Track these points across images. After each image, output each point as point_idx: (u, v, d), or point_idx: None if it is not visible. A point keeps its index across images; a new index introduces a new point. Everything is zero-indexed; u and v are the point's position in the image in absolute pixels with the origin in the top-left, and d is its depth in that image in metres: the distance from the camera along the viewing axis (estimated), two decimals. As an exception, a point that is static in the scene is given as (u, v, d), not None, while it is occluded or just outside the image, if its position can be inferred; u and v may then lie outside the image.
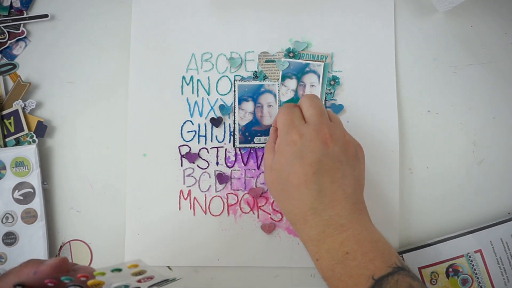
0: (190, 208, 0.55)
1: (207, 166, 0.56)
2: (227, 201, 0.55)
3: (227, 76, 0.57)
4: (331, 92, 0.56)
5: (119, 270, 0.33)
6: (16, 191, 0.54)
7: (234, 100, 0.56)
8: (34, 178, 0.54)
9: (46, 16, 0.57)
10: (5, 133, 0.55)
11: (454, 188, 0.56)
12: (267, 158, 0.49)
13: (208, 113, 0.56)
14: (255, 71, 0.57)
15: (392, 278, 0.41)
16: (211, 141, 0.56)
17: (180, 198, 0.55)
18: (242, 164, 0.56)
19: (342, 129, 0.47)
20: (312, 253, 0.45)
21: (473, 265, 0.53)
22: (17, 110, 0.55)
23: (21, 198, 0.54)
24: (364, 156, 0.48)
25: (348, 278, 0.42)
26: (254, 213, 0.55)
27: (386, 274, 0.41)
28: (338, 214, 0.43)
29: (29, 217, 0.54)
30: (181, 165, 0.56)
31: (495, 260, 0.53)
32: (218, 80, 0.57)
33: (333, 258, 0.42)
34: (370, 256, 0.42)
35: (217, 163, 0.56)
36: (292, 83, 0.56)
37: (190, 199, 0.55)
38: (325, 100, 0.56)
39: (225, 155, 0.56)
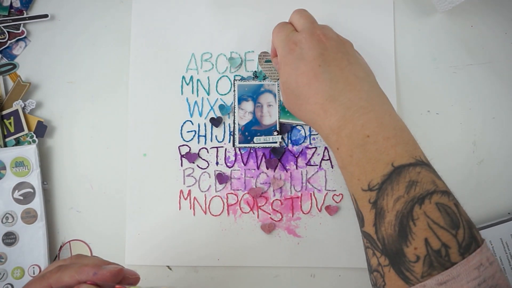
0: (190, 208, 0.55)
1: (207, 166, 0.56)
2: (227, 201, 0.55)
3: (227, 76, 0.57)
4: (331, 92, 0.56)
5: None
6: (16, 191, 0.54)
7: (234, 100, 0.56)
8: (34, 178, 0.54)
9: (46, 16, 0.57)
10: (5, 133, 0.55)
11: (454, 188, 0.55)
12: (280, 80, 0.49)
13: (208, 113, 0.56)
14: (255, 71, 0.57)
15: (413, 169, 0.39)
16: (211, 141, 0.56)
17: (180, 198, 0.55)
18: (242, 164, 0.56)
19: (334, 31, 0.48)
20: (332, 143, 0.43)
21: (473, 265, 0.53)
22: (17, 110, 0.55)
23: (21, 198, 0.54)
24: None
25: (366, 162, 0.40)
26: (254, 213, 0.55)
27: (407, 164, 0.39)
28: (357, 96, 0.42)
29: (29, 217, 0.54)
30: (181, 165, 0.56)
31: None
32: (218, 80, 0.57)
33: (353, 142, 0.41)
34: (392, 142, 0.40)
35: (217, 163, 0.56)
36: (292, 83, 0.56)
37: (190, 199, 0.55)
38: (325, 100, 0.56)
39: (225, 155, 0.56)
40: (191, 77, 0.57)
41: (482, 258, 0.36)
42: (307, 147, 0.56)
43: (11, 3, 0.57)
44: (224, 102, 0.56)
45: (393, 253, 0.38)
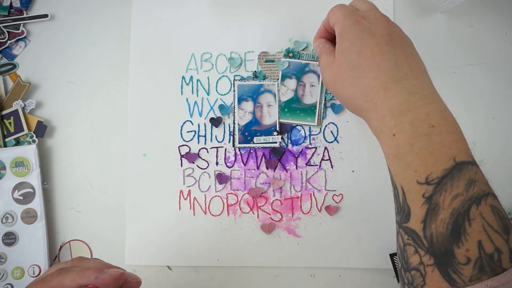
0: (190, 208, 0.55)
1: (207, 166, 0.56)
2: (227, 201, 0.55)
3: (226, 76, 0.57)
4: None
5: None
6: (16, 191, 0.54)
7: (234, 100, 0.56)
8: (34, 178, 0.54)
9: (46, 16, 0.57)
10: (5, 133, 0.55)
11: (454, 188, 0.56)
12: (325, 57, 0.48)
13: (208, 113, 0.56)
14: (255, 71, 0.57)
15: (472, 167, 0.37)
16: (211, 141, 0.56)
17: (180, 198, 0.55)
18: (242, 164, 0.56)
19: None
20: (388, 127, 0.40)
21: (473, 265, 0.53)
22: (17, 110, 0.55)
23: (21, 198, 0.54)
24: None
25: (428, 154, 0.38)
26: (253, 213, 0.55)
27: (467, 161, 0.37)
28: (420, 84, 0.41)
29: (29, 217, 0.54)
30: (181, 165, 0.56)
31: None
32: (217, 80, 0.57)
33: (417, 130, 0.38)
34: (454, 137, 0.38)
35: (216, 163, 0.56)
36: (292, 83, 0.56)
37: (190, 199, 0.55)
38: (325, 100, 0.56)
39: (225, 155, 0.56)
40: (191, 77, 0.57)
41: None
42: (307, 147, 0.56)
43: (11, 3, 0.57)
44: (224, 102, 0.56)
45: (441, 253, 0.36)
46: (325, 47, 0.49)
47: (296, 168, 0.56)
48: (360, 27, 0.44)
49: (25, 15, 0.57)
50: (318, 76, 0.56)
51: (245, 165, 0.56)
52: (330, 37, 0.51)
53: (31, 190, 0.54)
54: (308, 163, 0.56)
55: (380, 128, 0.41)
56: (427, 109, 0.39)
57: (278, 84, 0.56)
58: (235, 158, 0.56)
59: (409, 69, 0.42)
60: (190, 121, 0.56)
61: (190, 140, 0.56)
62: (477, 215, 0.35)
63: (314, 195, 0.55)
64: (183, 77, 0.57)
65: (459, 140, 0.39)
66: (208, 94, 0.57)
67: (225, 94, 0.57)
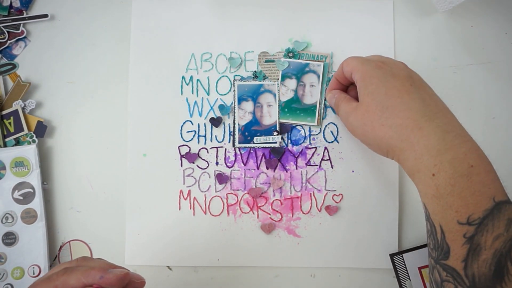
0: (190, 208, 0.55)
1: (207, 166, 0.56)
2: (227, 201, 0.55)
3: (226, 76, 0.57)
4: (331, 92, 0.56)
5: None
6: (16, 191, 0.54)
7: (234, 100, 0.56)
8: (34, 178, 0.54)
9: (46, 16, 0.57)
10: (5, 133, 0.55)
11: (454, 188, 0.56)
12: (345, 105, 0.48)
13: (208, 113, 0.56)
14: (255, 71, 0.56)
15: (510, 206, 0.38)
16: (211, 141, 0.56)
17: (180, 198, 0.55)
18: (242, 164, 0.56)
19: None
20: (427, 167, 0.40)
21: (473, 265, 0.53)
22: (17, 110, 0.55)
23: (21, 198, 0.54)
24: None
25: (469, 194, 0.38)
26: (253, 213, 0.55)
27: (505, 201, 0.38)
28: (452, 123, 0.42)
29: (29, 217, 0.54)
30: (181, 165, 0.56)
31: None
32: (217, 80, 0.57)
33: (457, 170, 0.39)
34: (491, 176, 0.39)
35: (216, 163, 0.56)
36: (292, 83, 0.56)
37: (190, 199, 0.55)
38: (325, 100, 0.56)
39: (225, 155, 0.56)
40: (191, 77, 0.57)
41: None
42: (307, 147, 0.56)
43: (11, 3, 0.57)
44: (224, 102, 0.56)
45: None
46: (341, 96, 0.50)
47: (296, 168, 0.56)
48: (382, 72, 0.45)
49: (25, 15, 0.57)
50: (318, 77, 0.56)
51: (245, 165, 0.56)
52: (343, 89, 0.52)
53: (31, 190, 0.54)
54: (308, 163, 0.56)
55: (418, 167, 0.41)
56: (465, 148, 0.40)
57: (278, 84, 0.56)
58: (235, 158, 0.56)
59: (436, 108, 0.43)
60: (190, 121, 0.56)
61: (190, 140, 0.56)
62: None
63: (314, 195, 0.55)
64: (183, 77, 0.57)
65: (496, 179, 0.39)
66: (208, 94, 0.57)
67: (225, 94, 0.57)
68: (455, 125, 0.42)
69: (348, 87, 0.53)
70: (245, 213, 0.55)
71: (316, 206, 0.55)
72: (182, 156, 0.56)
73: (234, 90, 0.56)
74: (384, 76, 0.45)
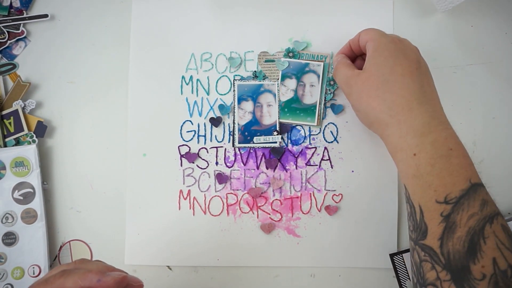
0: (190, 208, 0.55)
1: (207, 166, 0.56)
2: (227, 201, 0.55)
3: (226, 76, 0.57)
4: (331, 92, 0.56)
5: None
6: (16, 191, 0.54)
7: (234, 99, 0.56)
8: (34, 178, 0.54)
9: (46, 16, 0.57)
10: (5, 133, 0.55)
11: (454, 188, 0.56)
12: (346, 70, 0.50)
13: (208, 113, 0.56)
14: (255, 71, 0.56)
15: (484, 189, 0.41)
16: (211, 141, 0.56)
17: (179, 198, 0.55)
18: (242, 164, 0.56)
19: None
20: (410, 146, 0.43)
21: (473, 265, 0.53)
22: (17, 110, 0.55)
23: (21, 198, 0.54)
24: None
25: (448, 174, 0.41)
26: (253, 213, 0.55)
27: (479, 183, 0.41)
28: (439, 112, 0.45)
29: (29, 217, 0.54)
30: (181, 165, 0.56)
31: None
32: (217, 80, 0.57)
33: (437, 151, 0.42)
34: (468, 161, 0.42)
35: (216, 163, 0.56)
36: (291, 83, 0.56)
37: (189, 199, 0.55)
38: (325, 100, 0.56)
39: (225, 155, 0.56)
40: (191, 77, 0.57)
41: None
42: (306, 147, 0.56)
43: (11, 3, 0.57)
44: (224, 102, 0.56)
45: (458, 269, 0.38)
46: (344, 60, 0.51)
47: (296, 168, 0.56)
48: (396, 47, 0.47)
49: (25, 15, 0.57)
50: (318, 76, 0.56)
51: (245, 165, 0.56)
52: (352, 56, 0.54)
53: (31, 190, 0.54)
54: (308, 163, 0.56)
55: (401, 145, 0.44)
56: (446, 134, 0.43)
57: (278, 84, 0.56)
58: (235, 158, 0.56)
59: (430, 96, 0.45)
60: (190, 121, 0.56)
61: (190, 140, 0.56)
62: (491, 233, 0.38)
63: (314, 195, 0.55)
64: (183, 77, 0.57)
65: (471, 164, 0.42)
66: (208, 94, 0.57)
67: (225, 94, 0.57)
68: (441, 114, 0.45)
69: (356, 58, 0.54)
70: (245, 213, 0.55)
71: (316, 206, 0.55)
72: (182, 156, 0.56)
73: (234, 90, 0.56)
74: (396, 52, 0.46)
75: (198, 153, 0.56)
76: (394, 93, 0.45)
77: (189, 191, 0.55)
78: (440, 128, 0.43)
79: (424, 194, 0.42)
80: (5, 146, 0.55)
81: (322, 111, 0.56)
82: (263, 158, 0.56)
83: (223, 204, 0.55)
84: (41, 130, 0.55)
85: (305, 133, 0.56)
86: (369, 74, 0.47)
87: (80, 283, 0.35)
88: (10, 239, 0.54)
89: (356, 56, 0.54)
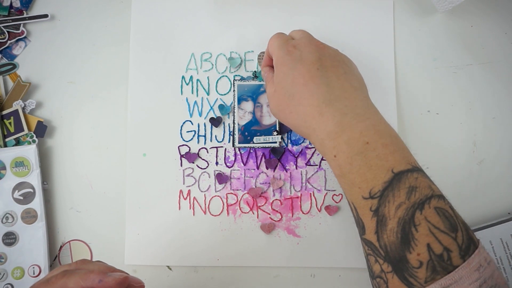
0: (190, 208, 0.55)
1: (207, 166, 0.56)
2: (227, 201, 0.55)
3: (226, 76, 0.57)
4: (331, 92, 0.56)
5: None
6: (16, 191, 0.54)
7: (234, 100, 0.56)
8: (34, 178, 0.54)
9: (46, 16, 0.57)
10: (5, 133, 0.55)
11: (454, 188, 0.56)
12: (269, 87, 0.49)
13: (208, 113, 0.56)
14: (255, 71, 0.57)
15: (411, 175, 0.39)
16: (211, 141, 0.56)
17: (179, 198, 0.55)
18: (242, 164, 0.56)
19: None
20: (329, 150, 0.43)
21: (473, 265, 0.53)
22: (17, 110, 0.55)
23: (21, 198, 0.54)
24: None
25: (367, 170, 0.40)
26: (253, 213, 0.55)
27: (405, 170, 0.39)
28: (353, 103, 0.43)
29: (29, 217, 0.54)
30: (181, 165, 0.56)
31: (495, 260, 0.53)
32: (217, 80, 0.57)
33: (353, 149, 0.41)
34: (390, 149, 0.41)
35: (216, 163, 0.56)
36: (291, 83, 0.56)
37: (189, 199, 0.55)
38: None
39: (225, 155, 0.56)
40: (191, 77, 0.57)
41: (481, 259, 0.37)
42: (306, 147, 0.56)
43: (11, 3, 0.57)
44: (224, 102, 0.56)
45: (396, 260, 0.38)
46: (269, 76, 0.50)
47: (296, 168, 0.56)
48: (292, 58, 0.46)
49: (25, 15, 0.57)
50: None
51: (245, 165, 0.56)
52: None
53: (31, 190, 0.54)
54: (308, 163, 0.56)
55: (323, 151, 0.44)
56: (360, 127, 0.41)
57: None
58: (235, 158, 0.56)
59: (341, 90, 0.44)
60: (190, 121, 0.56)
61: (190, 140, 0.56)
62: (422, 219, 0.37)
63: (314, 195, 0.55)
64: (183, 77, 0.57)
65: (395, 151, 0.41)
66: (208, 94, 0.57)
67: (225, 94, 0.57)
68: (357, 104, 0.43)
69: None
70: (245, 213, 0.55)
71: (316, 206, 0.55)
72: (182, 156, 0.56)
73: (234, 90, 0.56)
74: (293, 63, 0.45)
75: (198, 153, 0.56)
76: (301, 105, 0.44)
77: (189, 191, 0.55)
78: (355, 122, 0.42)
79: (352, 192, 0.42)
80: (5, 146, 0.55)
81: (322, 111, 0.56)
82: (263, 158, 0.56)
83: (223, 204, 0.55)
84: (41, 130, 0.55)
85: (305, 133, 0.56)
86: (278, 92, 0.47)
87: (81, 283, 0.35)
88: (10, 239, 0.54)
89: None
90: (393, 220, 0.38)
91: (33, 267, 0.54)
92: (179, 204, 0.55)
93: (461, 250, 0.37)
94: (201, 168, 0.56)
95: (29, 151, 0.54)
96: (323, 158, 0.56)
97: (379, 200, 0.39)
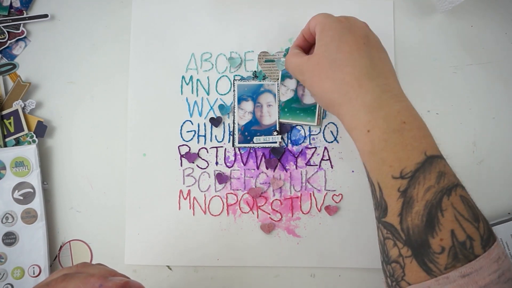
0: (190, 208, 0.55)
1: (207, 166, 0.56)
2: (227, 201, 0.55)
3: (226, 76, 0.57)
4: (331, 92, 0.56)
5: None
6: (16, 191, 0.54)
7: (234, 100, 0.56)
8: (34, 178, 0.54)
9: (46, 16, 0.57)
10: (5, 133, 0.55)
11: (454, 188, 0.56)
12: (295, 58, 0.49)
13: (208, 113, 0.56)
14: (255, 71, 0.57)
15: (441, 160, 0.40)
16: (211, 141, 0.56)
17: (179, 197, 0.55)
18: (242, 164, 0.56)
19: None
20: (363, 123, 0.42)
21: (473, 265, 0.53)
22: (17, 110, 0.55)
23: (21, 198, 0.54)
24: None
25: (401, 148, 0.40)
26: (253, 213, 0.55)
27: (436, 155, 0.40)
28: (391, 84, 0.44)
29: (29, 217, 0.54)
30: (181, 165, 0.56)
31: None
32: (217, 80, 0.57)
33: (390, 126, 0.41)
34: (423, 132, 0.41)
35: (216, 163, 0.56)
36: (291, 82, 0.56)
37: (189, 198, 0.55)
38: (325, 100, 0.56)
39: (225, 155, 0.56)
40: (191, 77, 0.57)
41: (500, 251, 0.37)
42: (306, 147, 0.56)
43: (11, 3, 0.57)
44: (224, 102, 0.56)
45: (418, 244, 0.38)
46: (291, 51, 0.51)
47: (296, 168, 0.56)
48: (341, 25, 0.46)
49: (25, 15, 0.57)
50: (318, 76, 0.56)
51: (245, 165, 0.56)
52: (306, 47, 0.53)
53: (31, 190, 0.54)
54: (308, 163, 0.56)
55: (355, 124, 0.43)
56: (398, 107, 0.42)
57: (278, 84, 0.56)
58: (235, 158, 0.56)
59: (382, 69, 0.44)
60: (190, 121, 0.56)
61: (190, 140, 0.56)
62: (448, 205, 0.37)
63: (313, 195, 0.55)
64: (183, 77, 0.57)
65: (428, 135, 0.41)
66: (208, 94, 0.57)
67: (225, 94, 0.57)
68: (394, 86, 0.44)
69: (311, 46, 0.53)
70: (245, 213, 0.55)
71: (316, 206, 0.55)
72: (182, 156, 0.56)
73: (234, 90, 0.56)
74: (341, 30, 0.46)
75: (198, 153, 0.56)
76: (343, 72, 0.44)
77: (189, 191, 0.55)
78: (392, 101, 0.42)
79: (381, 171, 0.41)
80: (5, 146, 0.55)
81: (322, 111, 0.56)
82: (263, 158, 0.56)
83: (223, 204, 0.55)
84: (41, 130, 0.55)
85: (305, 133, 0.56)
86: (318, 56, 0.46)
87: (82, 287, 0.35)
88: (10, 239, 0.54)
89: (311, 44, 0.53)
90: (420, 203, 0.38)
91: (33, 267, 0.54)
92: (179, 204, 0.55)
93: (483, 241, 0.37)
94: (201, 168, 0.56)
95: (29, 151, 0.54)
96: (323, 158, 0.56)
97: (409, 180, 0.39)
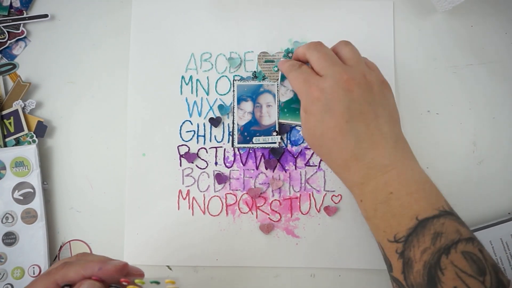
0: (189, 208, 0.55)
1: (206, 166, 0.56)
2: (226, 201, 0.55)
3: (226, 76, 0.57)
4: (331, 92, 0.56)
5: (157, 283, 0.38)
6: (16, 191, 0.54)
7: (233, 100, 0.56)
8: (34, 178, 0.54)
9: (46, 16, 0.57)
10: (5, 133, 0.55)
11: (454, 188, 0.56)
12: (302, 124, 0.49)
13: (207, 113, 0.56)
14: (255, 71, 0.56)
15: (437, 220, 0.40)
16: (210, 141, 0.56)
17: (179, 197, 0.55)
18: (241, 164, 0.56)
19: (361, 69, 0.47)
20: (356, 195, 0.46)
21: (472, 266, 0.53)
22: (17, 110, 0.55)
23: (21, 198, 0.54)
24: (391, 90, 0.48)
25: (390, 217, 0.42)
26: (252, 213, 0.55)
27: (431, 216, 0.40)
28: (380, 155, 0.44)
29: (29, 217, 0.54)
30: (180, 165, 0.56)
31: (495, 260, 0.53)
32: (217, 80, 0.57)
33: (377, 198, 0.43)
34: (415, 197, 0.42)
35: (216, 163, 0.56)
36: (291, 83, 0.56)
37: (189, 199, 0.55)
38: (324, 100, 0.56)
39: (224, 155, 0.56)
40: (191, 77, 0.57)
41: None
42: (306, 148, 0.56)
43: (11, 3, 0.57)
44: (223, 102, 0.56)
45: None
46: (305, 75, 0.48)
47: (295, 168, 0.56)
48: (319, 107, 0.45)
49: (25, 15, 0.57)
50: (318, 76, 0.56)
51: (244, 165, 0.56)
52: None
53: (31, 190, 0.54)
54: (307, 164, 0.56)
55: (352, 194, 0.47)
56: (385, 178, 0.43)
57: (277, 84, 0.56)
58: (234, 158, 0.56)
59: (370, 141, 0.44)
60: (190, 121, 0.56)
61: (189, 140, 0.56)
62: (448, 264, 0.38)
63: (313, 196, 0.55)
64: (182, 77, 0.57)
65: (420, 198, 0.42)
66: (207, 94, 0.57)
67: (224, 94, 0.57)
68: (385, 155, 0.44)
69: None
70: (244, 213, 0.55)
71: (315, 206, 0.55)
72: (181, 156, 0.56)
73: (233, 90, 0.56)
74: (320, 114, 0.45)
75: (197, 153, 0.56)
76: (330, 156, 0.46)
77: (188, 191, 0.56)
78: (379, 174, 0.43)
79: (378, 234, 0.44)
80: (5, 146, 0.55)
81: (321, 111, 0.56)
82: (263, 158, 0.56)
83: (222, 204, 0.55)
84: (41, 130, 0.56)
85: (304, 133, 0.56)
86: (307, 138, 0.48)
87: (82, 272, 0.36)
88: (10, 239, 0.54)
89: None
90: (419, 263, 0.39)
91: (33, 267, 0.54)
92: (178, 204, 0.55)
93: None
94: (200, 168, 0.56)
95: (29, 151, 0.54)
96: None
97: (404, 244, 0.41)
